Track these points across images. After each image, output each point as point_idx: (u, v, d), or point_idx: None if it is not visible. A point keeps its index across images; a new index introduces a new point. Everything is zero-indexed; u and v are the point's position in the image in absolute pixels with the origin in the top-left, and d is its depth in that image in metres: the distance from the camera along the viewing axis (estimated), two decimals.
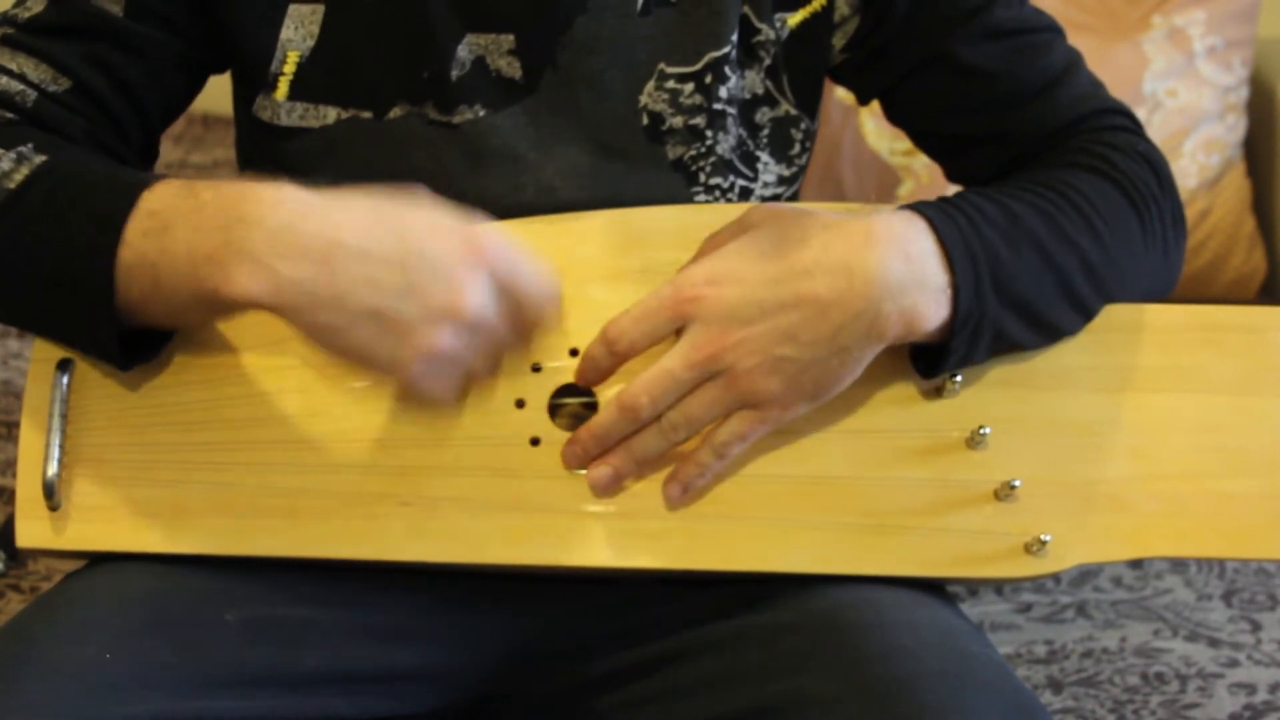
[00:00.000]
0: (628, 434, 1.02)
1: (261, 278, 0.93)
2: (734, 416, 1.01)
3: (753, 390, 0.99)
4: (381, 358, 0.95)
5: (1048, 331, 1.06)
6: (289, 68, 1.08)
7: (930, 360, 1.04)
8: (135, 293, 0.97)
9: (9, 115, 1.05)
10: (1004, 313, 1.02)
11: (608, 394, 1.04)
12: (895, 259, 0.99)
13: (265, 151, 1.13)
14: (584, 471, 1.03)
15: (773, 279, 0.99)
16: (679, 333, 1.00)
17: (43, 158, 1.01)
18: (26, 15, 1.07)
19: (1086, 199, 1.07)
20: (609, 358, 1.02)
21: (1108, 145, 1.11)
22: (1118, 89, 1.21)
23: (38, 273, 1.00)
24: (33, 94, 1.05)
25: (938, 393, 1.06)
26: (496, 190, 1.09)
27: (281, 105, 1.10)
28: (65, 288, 0.99)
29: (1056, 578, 1.58)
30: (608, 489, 1.02)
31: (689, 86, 1.10)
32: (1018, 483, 1.04)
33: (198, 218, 0.95)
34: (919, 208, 1.02)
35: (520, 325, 0.99)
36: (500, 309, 0.96)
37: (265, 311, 0.95)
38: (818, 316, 0.98)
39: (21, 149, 1.02)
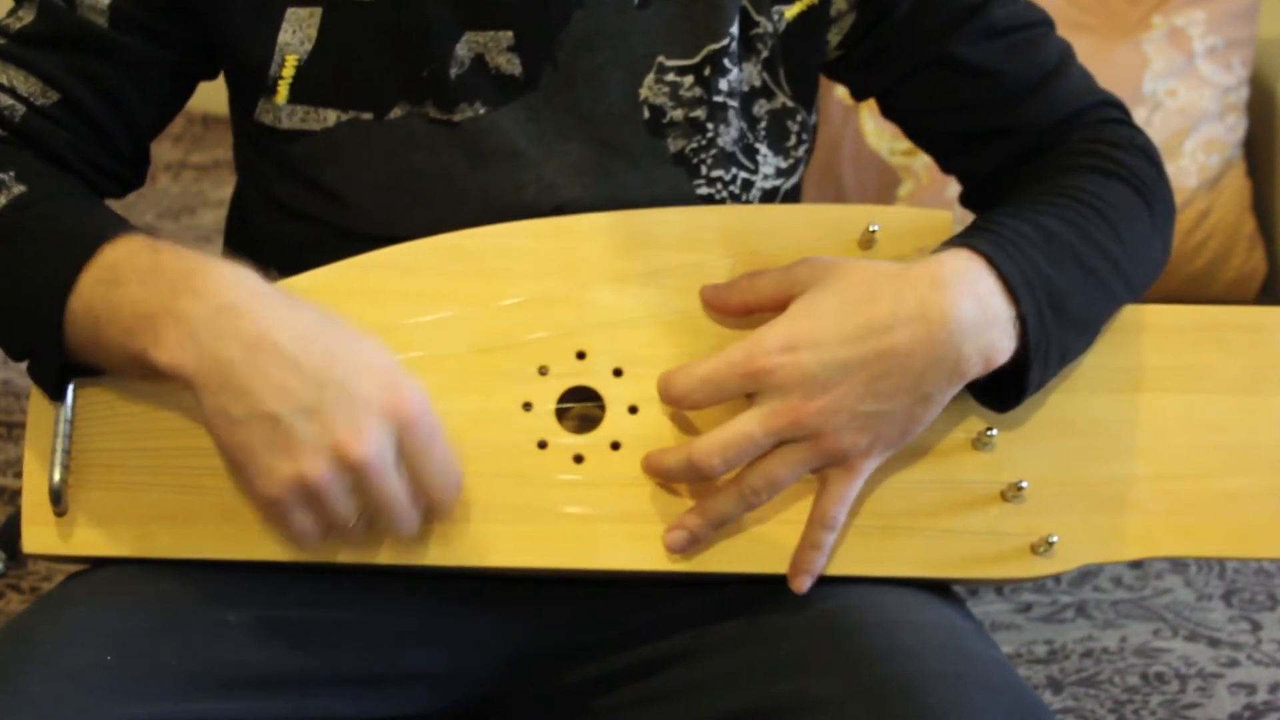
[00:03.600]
0: (692, 482, 1.02)
1: (187, 348, 0.94)
2: (829, 484, 1.01)
3: (839, 448, 0.99)
4: (256, 465, 0.94)
5: (1095, 336, 1.08)
6: (288, 71, 1.08)
7: (1008, 394, 1.04)
8: (77, 340, 0.98)
9: None
10: (1063, 331, 1.03)
11: (614, 396, 1.04)
12: (967, 300, 0.99)
13: (267, 154, 1.12)
14: (590, 475, 1.03)
15: (850, 337, 0.99)
16: (750, 395, 1.00)
17: (22, 188, 1.02)
18: (17, 26, 1.07)
19: (1106, 202, 1.08)
20: (672, 406, 1.03)
21: (1109, 143, 1.12)
22: (1118, 89, 1.21)
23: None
24: (21, 109, 1.05)
25: None
26: (497, 187, 1.09)
27: (282, 109, 1.09)
28: (18, 320, 1.00)
29: (1057, 578, 1.58)
30: (684, 550, 1.03)
31: (688, 79, 1.10)
32: (1025, 484, 1.04)
33: (152, 278, 0.96)
34: (967, 242, 1.03)
35: (415, 499, 0.97)
36: (399, 471, 0.95)
37: (184, 384, 0.95)
38: (900, 369, 0.99)
39: (3, 176, 1.02)
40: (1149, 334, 1.09)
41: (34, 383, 1.04)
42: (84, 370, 1.02)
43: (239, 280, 0.95)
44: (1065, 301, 1.03)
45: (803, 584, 1.02)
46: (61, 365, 1.00)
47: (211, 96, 1.21)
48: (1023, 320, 1.01)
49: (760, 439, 0.99)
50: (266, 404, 0.93)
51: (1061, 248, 1.04)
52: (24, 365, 1.05)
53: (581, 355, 1.05)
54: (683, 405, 1.02)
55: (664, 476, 1.02)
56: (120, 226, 1.00)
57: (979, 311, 1.00)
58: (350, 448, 0.93)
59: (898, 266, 1.02)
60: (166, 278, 0.95)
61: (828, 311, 1.00)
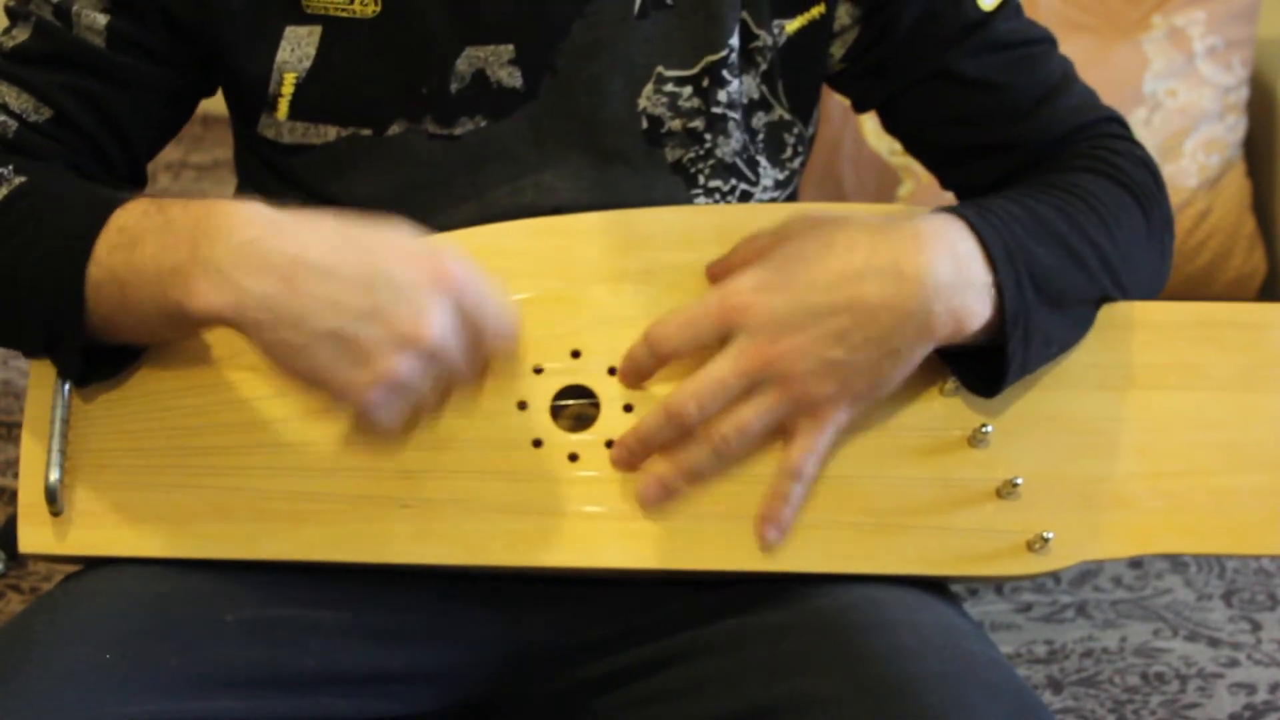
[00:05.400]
0: (673, 439, 1.02)
1: (224, 291, 0.93)
2: (798, 434, 1.01)
3: (806, 394, 0.99)
4: (338, 380, 0.94)
5: (1080, 328, 1.07)
6: (287, 89, 1.08)
7: (992, 374, 1.04)
8: (104, 308, 0.97)
9: None
10: (1044, 310, 1.03)
11: (610, 394, 1.04)
12: (944, 259, 0.99)
13: (270, 166, 1.13)
14: (586, 473, 1.03)
15: (822, 284, 0.99)
16: (724, 339, 1.00)
17: (22, 179, 1.02)
18: (11, 44, 1.07)
19: (1099, 199, 1.08)
20: (651, 360, 1.02)
21: (1110, 151, 1.13)
22: (1118, 89, 1.21)
23: (11, 284, 1.01)
24: (14, 124, 1.05)
25: (939, 392, 1.06)
26: (496, 192, 1.09)
27: (283, 124, 1.10)
28: (38, 301, 0.99)
29: (1056, 577, 1.58)
30: (656, 502, 1.02)
31: (687, 90, 1.10)
32: (1020, 480, 1.04)
33: (165, 233, 0.95)
34: (953, 210, 1.03)
35: (476, 358, 0.98)
36: (461, 339, 0.96)
37: (228, 327, 0.95)
38: (869, 319, 0.99)
39: (2, 170, 1.03)
40: (1145, 331, 1.09)
41: (59, 368, 1.03)
42: (106, 365, 1.02)
43: (252, 215, 0.94)
44: (1047, 280, 1.03)
45: (767, 533, 1.02)
46: (85, 349, 0.99)
47: (212, 97, 1.21)
48: (999, 288, 1.00)
49: (731, 381, 0.99)
50: (325, 322, 0.92)
51: (1047, 229, 1.04)
52: (24, 365, 1.05)
53: (576, 354, 1.05)
54: (663, 352, 1.02)
55: (646, 439, 1.02)
56: (125, 194, 0.99)
57: (954, 272, 0.99)
58: (420, 336, 0.93)
59: (882, 221, 1.02)
60: (181, 229, 0.95)
61: (804, 257, 1.00)
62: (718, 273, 1.05)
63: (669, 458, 1.02)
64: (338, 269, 0.93)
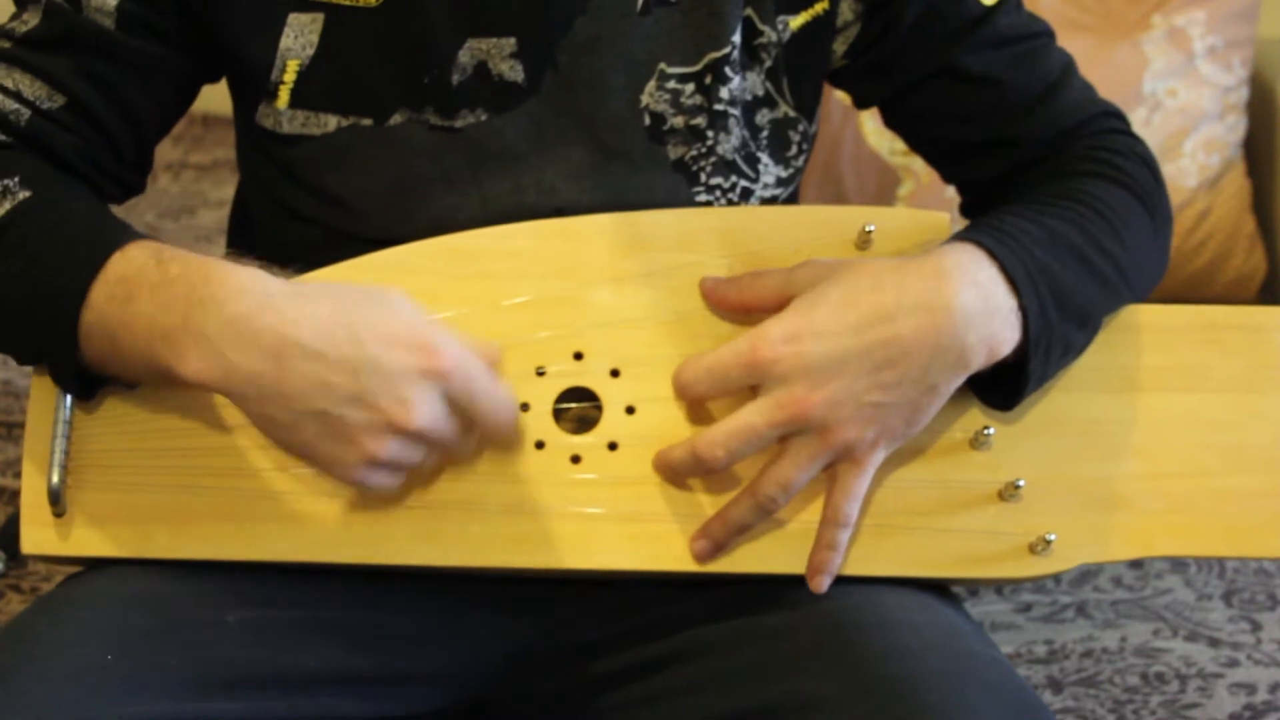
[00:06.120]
0: (698, 476, 1.03)
1: (212, 363, 0.94)
2: (839, 480, 1.01)
3: (846, 441, 1.00)
4: (322, 457, 0.96)
5: (1094, 334, 1.08)
6: (289, 76, 1.08)
7: (1009, 389, 1.04)
8: (95, 351, 0.98)
9: (1, 137, 1.05)
10: (1067, 326, 1.04)
11: (612, 396, 1.04)
12: (969, 290, 1.00)
13: (269, 157, 1.13)
14: (587, 475, 1.03)
15: (854, 327, 0.99)
16: (755, 388, 1.00)
17: (27, 194, 1.02)
18: (23, 29, 1.07)
19: (1108, 206, 1.09)
20: (681, 399, 1.03)
21: (1111, 150, 1.13)
22: (1118, 89, 1.22)
23: (7, 309, 1.01)
24: (27, 112, 1.05)
25: None
26: (497, 192, 1.09)
27: (283, 113, 1.09)
28: (30, 330, 1.00)
29: (1057, 578, 1.58)
30: (710, 558, 1.03)
31: (689, 87, 1.10)
32: (1022, 483, 1.04)
33: (162, 293, 0.96)
34: (970, 237, 1.03)
35: (471, 436, 0.99)
36: (453, 420, 0.96)
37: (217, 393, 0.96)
38: (904, 358, 0.99)
39: (8, 182, 1.02)
40: (1146, 334, 1.09)
41: (58, 386, 1.03)
42: (104, 377, 1.02)
43: (246, 285, 0.95)
44: (1067, 296, 1.03)
45: (821, 584, 1.02)
46: (81, 369, 1.00)
47: (212, 96, 1.21)
48: (1024, 311, 1.01)
49: (763, 430, 0.99)
50: (311, 403, 0.94)
51: (1063, 244, 1.05)
52: (25, 366, 1.04)
53: (579, 356, 1.05)
54: (689, 397, 1.02)
55: (671, 471, 1.02)
56: (126, 234, 1.00)
57: (981, 301, 1.00)
58: (404, 421, 0.94)
59: (900, 259, 1.02)
60: (178, 291, 0.95)
61: (831, 303, 1.00)
62: (718, 301, 1.05)
63: (719, 517, 1.02)
64: (326, 351, 0.94)
